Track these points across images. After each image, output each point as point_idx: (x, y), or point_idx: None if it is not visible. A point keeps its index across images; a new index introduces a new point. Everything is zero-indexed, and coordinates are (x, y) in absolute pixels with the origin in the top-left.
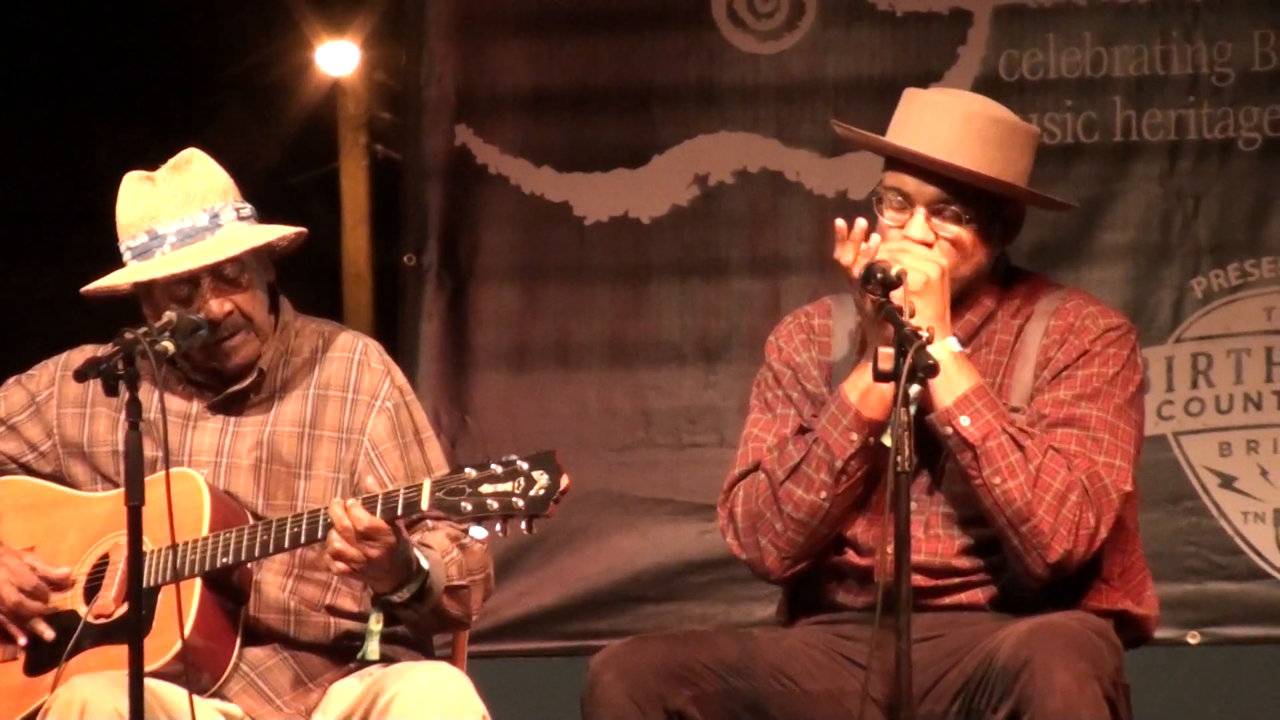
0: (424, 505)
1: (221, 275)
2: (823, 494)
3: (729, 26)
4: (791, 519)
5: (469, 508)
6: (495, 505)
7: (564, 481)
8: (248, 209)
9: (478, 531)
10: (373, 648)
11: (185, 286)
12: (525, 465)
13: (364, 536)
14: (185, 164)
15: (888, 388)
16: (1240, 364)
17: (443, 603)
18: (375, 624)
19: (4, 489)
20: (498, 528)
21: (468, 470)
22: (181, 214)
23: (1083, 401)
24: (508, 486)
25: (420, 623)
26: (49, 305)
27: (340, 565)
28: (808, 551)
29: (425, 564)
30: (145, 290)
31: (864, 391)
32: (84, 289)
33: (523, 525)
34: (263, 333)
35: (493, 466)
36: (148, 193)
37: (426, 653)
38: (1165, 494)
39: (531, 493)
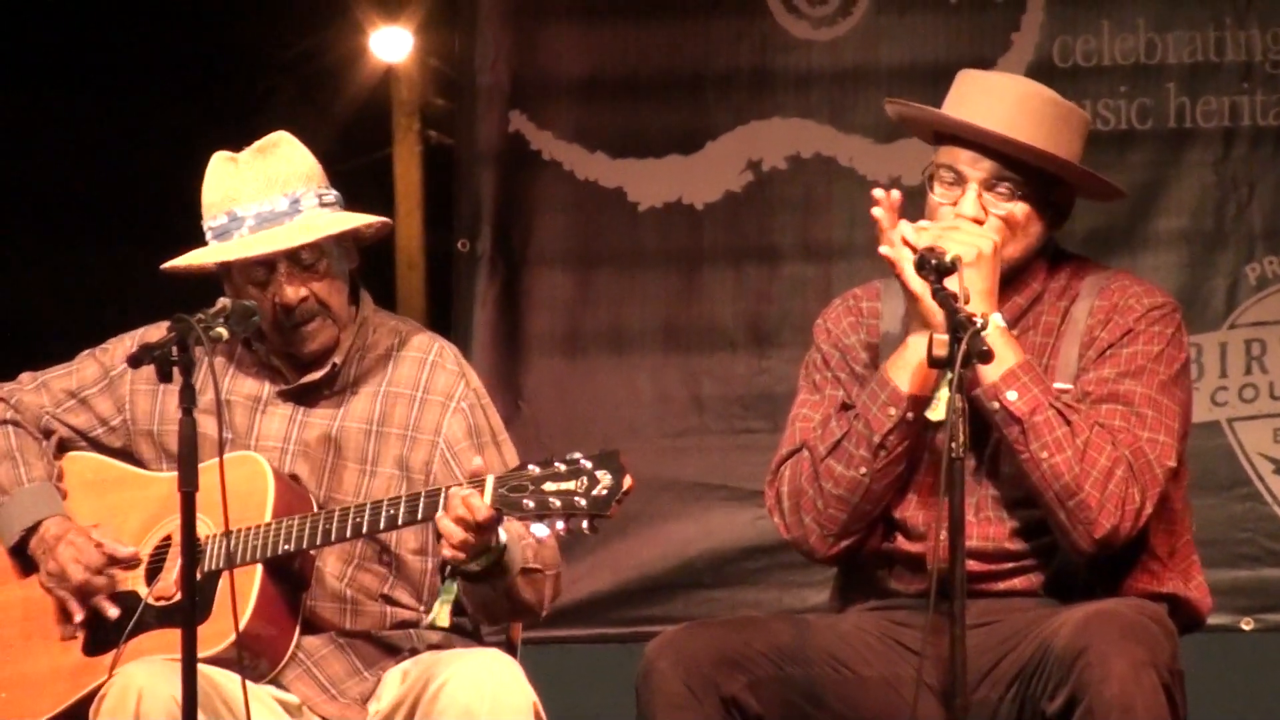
0: (486, 500)
1: (298, 261)
2: (862, 469)
3: (783, 12)
4: (833, 495)
5: (531, 505)
6: (558, 504)
7: (627, 482)
8: (332, 195)
9: (539, 529)
10: (444, 613)
11: (262, 270)
12: (589, 464)
13: (482, 528)
14: (272, 147)
15: (923, 361)
16: None
17: (517, 584)
18: (448, 592)
19: (70, 465)
20: (560, 525)
21: (531, 468)
22: (261, 197)
23: (1126, 379)
24: (571, 485)
25: (493, 604)
26: (104, 289)
27: (460, 555)
28: (850, 529)
29: (504, 537)
30: (226, 272)
31: (901, 367)
32: (164, 265)
33: (584, 525)
34: (340, 321)
35: (556, 464)
36: (230, 174)
37: (479, 641)
38: (1219, 480)
39: (594, 492)
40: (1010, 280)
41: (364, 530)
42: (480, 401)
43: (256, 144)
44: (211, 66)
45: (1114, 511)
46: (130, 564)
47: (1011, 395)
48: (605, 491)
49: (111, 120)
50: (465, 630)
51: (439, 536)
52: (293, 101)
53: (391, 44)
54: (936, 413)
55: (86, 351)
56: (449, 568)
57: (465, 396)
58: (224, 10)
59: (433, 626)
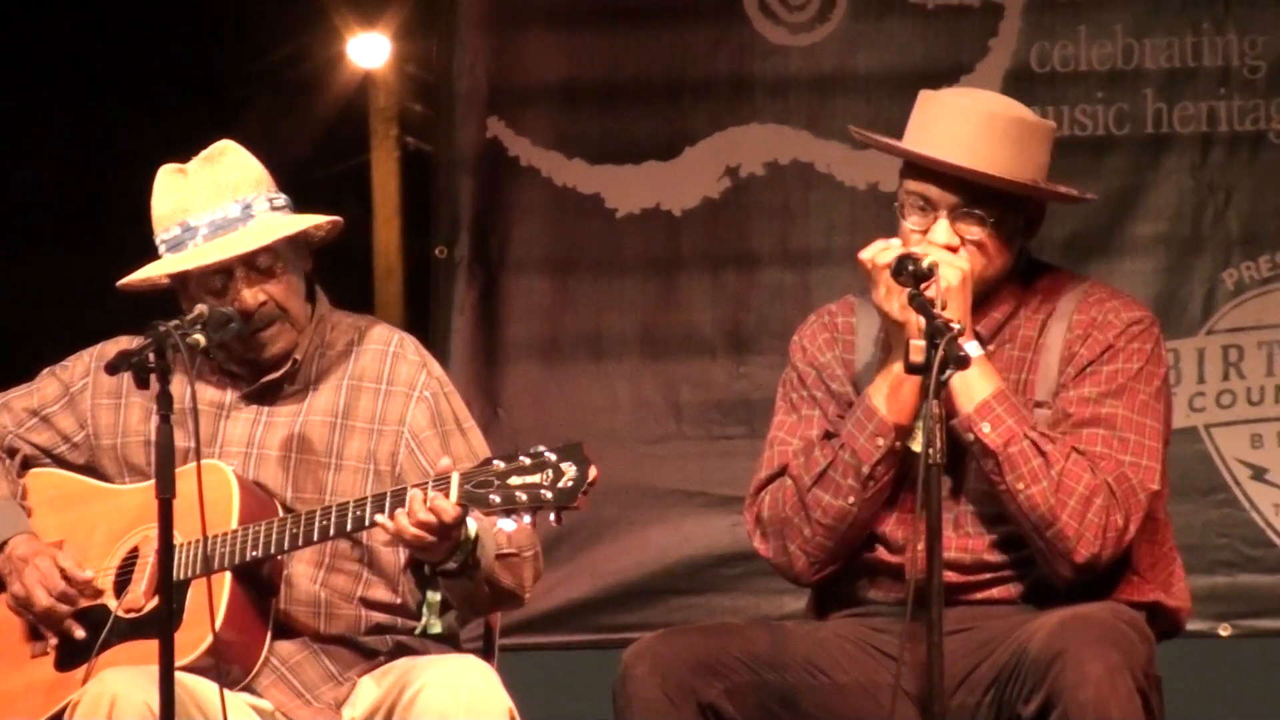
0: (452, 497)
1: (254, 266)
2: (850, 499)
3: (760, 19)
4: (820, 524)
5: (497, 500)
6: (524, 497)
7: (592, 473)
8: (282, 199)
9: (506, 524)
10: (433, 620)
11: (219, 278)
12: (553, 457)
13: (447, 529)
14: (218, 155)
15: (912, 392)
16: (1272, 356)
17: (495, 571)
18: (433, 597)
19: (34, 481)
20: (526, 519)
21: (495, 462)
22: (213, 205)
23: (1108, 399)
24: (536, 478)
25: (475, 595)
26: (79, 299)
27: (421, 555)
28: (837, 556)
29: (473, 528)
30: (180, 282)
31: (889, 395)
32: (120, 282)
33: (551, 517)
34: (298, 323)
35: (520, 458)
36: (180, 185)
37: (455, 646)
38: (1197, 486)
39: (560, 484)
40: (985, 296)
41: (331, 533)
42: (443, 390)
43: (202, 154)
44: (189, 74)
45: (1094, 540)
46: (88, 591)
47: (985, 427)
48: (571, 483)
49: (87, 131)
50: (441, 636)
51: None
52: (271, 108)
53: (369, 50)
54: (917, 444)
55: (47, 370)
56: (426, 570)
57: (428, 385)
58: (201, 18)
59: (425, 634)
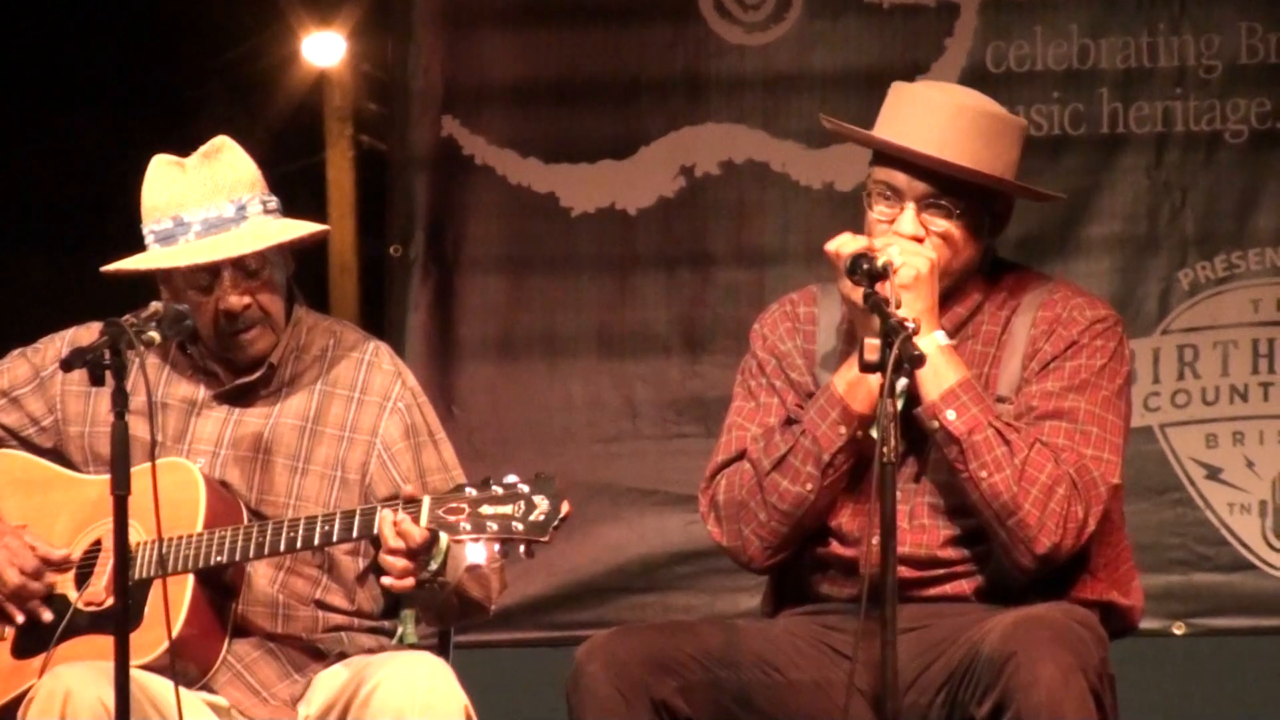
0: (422, 523)
1: (243, 268)
2: (809, 486)
3: (715, 18)
4: (776, 509)
5: (468, 527)
6: (495, 527)
7: (564, 508)
8: (274, 201)
9: (475, 553)
10: (410, 630)
11: (206, 276)
12: (526, 489)
13: (422, 551)
14: (216, 152)
15: (877, 381)
16: (1227, 356)
17: (464, 583)
18: (408, 609)
19: (0, 463)
20: (496, 549)
21: (468, 490)
22: (208, 203)
23: (1070, 394)
24: (508, 509)
25: (443, 606)
26: (38, 294)
27: (409, 584)
28: (790, 542)
29: (444, 541)
30: (165, 276)
31: (853, 384)
32: (105, 268)
33: (521, 549)
34: (278, 326)
35: (493, 488)
36: (176, 179)
37: (411, 644)
38: (1151, 485)
39: (531, 517)
40: (950, 291)
41: (298, 545)
42: (417, 401)
43: (201, 149)
44: (145, 72)
45: (1055, 530)
46: (62, 567)
47: (951, 414)
48: (542, 517)
49: (43, 127)
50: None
51: (375, 542)
52: (226, 106)
53: (324, 49)
54: (875, 431)
55: (18, 351)
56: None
57: (402, 396)
58: (157, 17)
59: (401, 643)
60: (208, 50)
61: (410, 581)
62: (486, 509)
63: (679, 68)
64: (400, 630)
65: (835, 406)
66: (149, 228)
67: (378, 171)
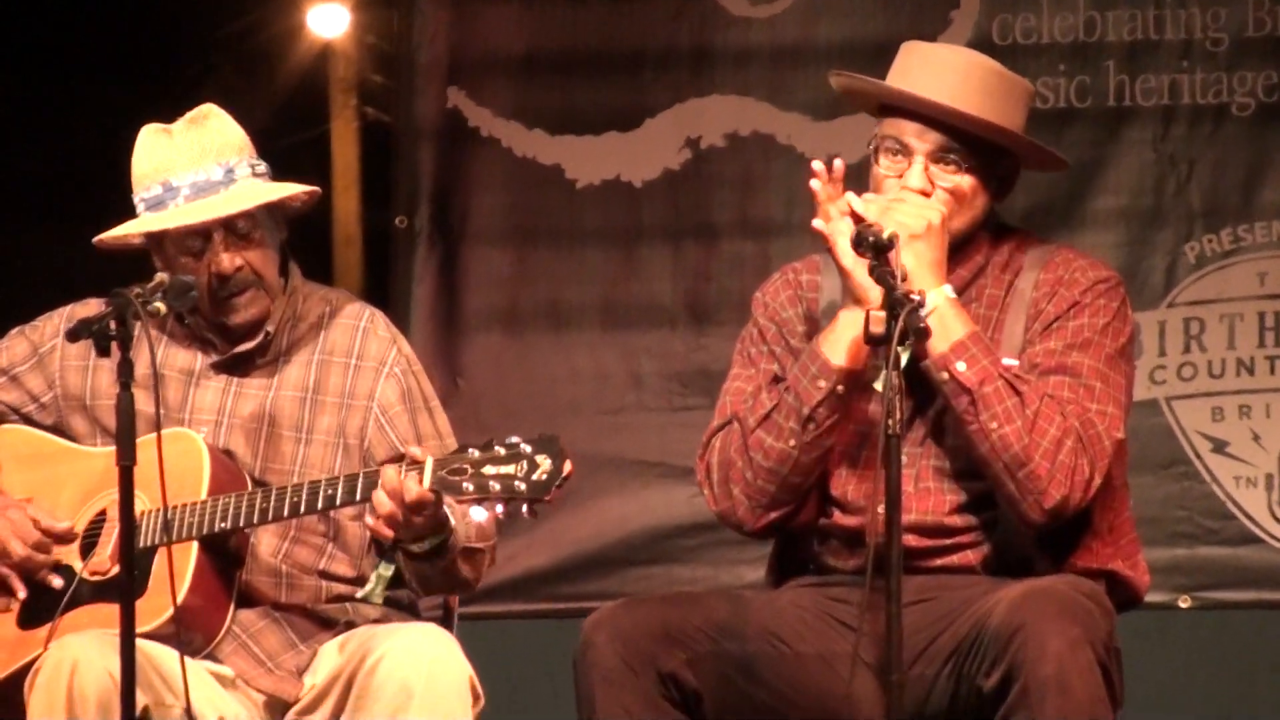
0: (426, 484)
1: (234, 230)
2: (791, 442)
3: None
4: (761, 467)
5: (470, 488)
6: (497, 487)
7: (567, 467)
8: (262, 166)
9: (477, 513)
10: (377, 591)
11: (197, 240)
12: (529, 448)
13: (413, 508)
14: (203, 118)
15: (855, 337)
16: (1233, 329)
17: (456, 562)
18: (385, 569)
19: (4, 437)
20: (498, 509)
21: (470, 450)
22: (196, 167)
23: (1074, 351)
24: (510, 469)
25: (430, 579)
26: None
27: (386, 531)
28: (779, 501)
29: (453, 521)
30: (156, 242)
31: (833, 340)
32: (96, 239)
33: (524, 509)
34: (272, 291)
35: (496, 448)
36: (164, 145)
37: (415, 615)
38: (1157, 459)
39: (534, 476)
40: (953, 252)
41: (301, 510)
42: (412, 367)
43: (188, 115)
44: (148, 44)
45: (1064, 482)
46: (66, 539)
47: (961, 366)
48: (545, 476)
49: (45, 98)
50: (402, 605)
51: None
52: (230, 78)
53: (329, 20)
54: (879, 383)
55: (16, 329)
56: (391, 546)
57: (397, 362)
58: None
59: (366, 602)
60: (211, 22)
61: (390, 533)
62: (489, 469)
63: (684, 40)
64: (369, 588)
65: (815, 361)
66: (139, 196)
67: (382, 143)
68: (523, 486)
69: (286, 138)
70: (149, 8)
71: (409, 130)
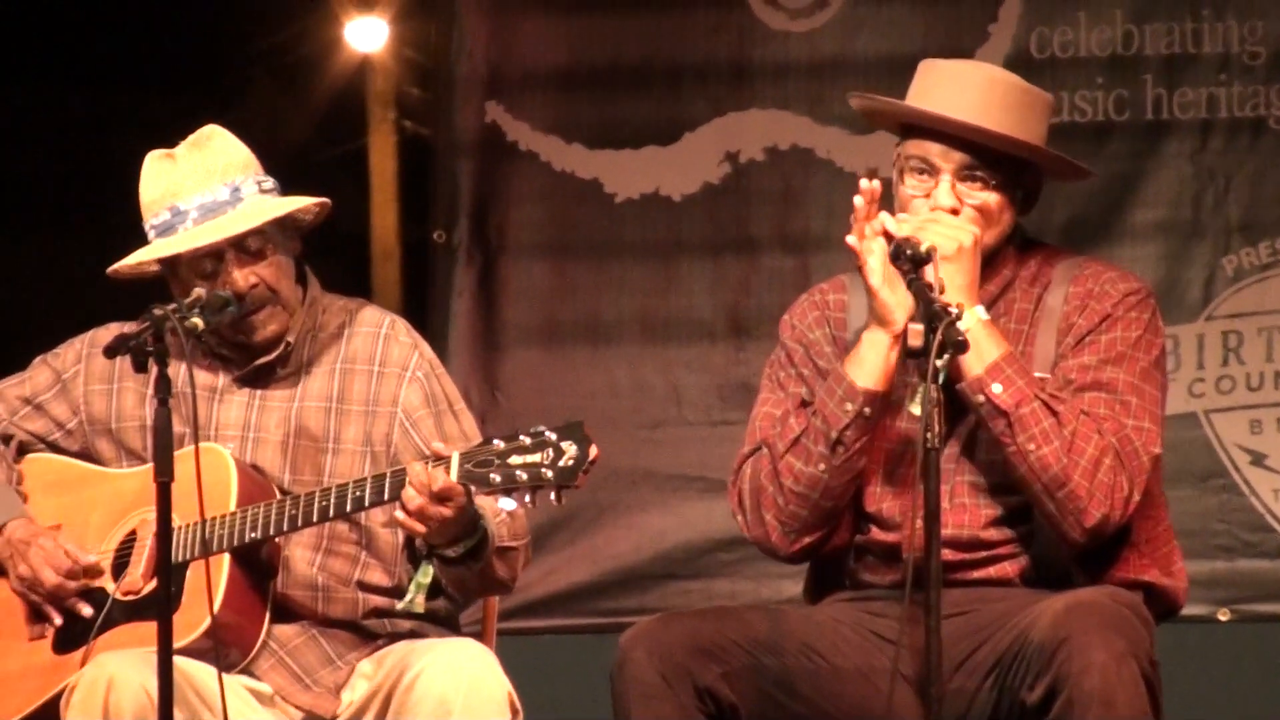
0: (453, 477)
1: (245, 248)
2: (820, 466)
3: (760, 4)
4: (792, 492)
5: (498, 479)
6: (524, 476)
7: (593, 451)
8: (269, 182)
9: (506, 503)
10: (418, 599)
11: (210, 261)
12: (553, 436)
13: (440, 498)
14: (205, 140)
15: (880, 358)
16: (1271, 341)
17: (492, 563)
18: (424, 576)
19: (30, 467)
20: (527, 499)
21: (496, 442)
22: (202, 189)
23: (1108, 366)
24: (536, 458)
25: (467, 582)
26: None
27: (418, 526)
28: (811, 526)
29: (484, 521)
30: (171, 268)
31: (858, 362)
32: (109, 269)
33: (551, 496)
34: (289, 306)
35: (521, 438)
36: (168, 170)
37: (454, 630)
38: (1196, 471)
39: (560, 463)
40: (982, 268)
41: (330, 514)
42: (434, 371)
43: (189, 139)
44: (187, 58)
45: (1104, 500)
46: (93, 573)
47: (997, 388)
48: (571, 462)
49: (86, 114)
50: (440, 619)
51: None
52: (268, 93)
53: (367, 34)
54: (916, 406)
55: (39, 358)
56: (427, 550)
57: (420, 366)
58: (197, 2)
59: (408, 612)
60: (250, 35)
61: (421, 528)
62: (515, 459)
63: (723, 54)
64: (409, 597)
65: (840, 384)
66: (149, 223)
67: (421, 157)
68: (550, 474)
69: (325, 152)
70: (188, 21)
71: (447, 144)
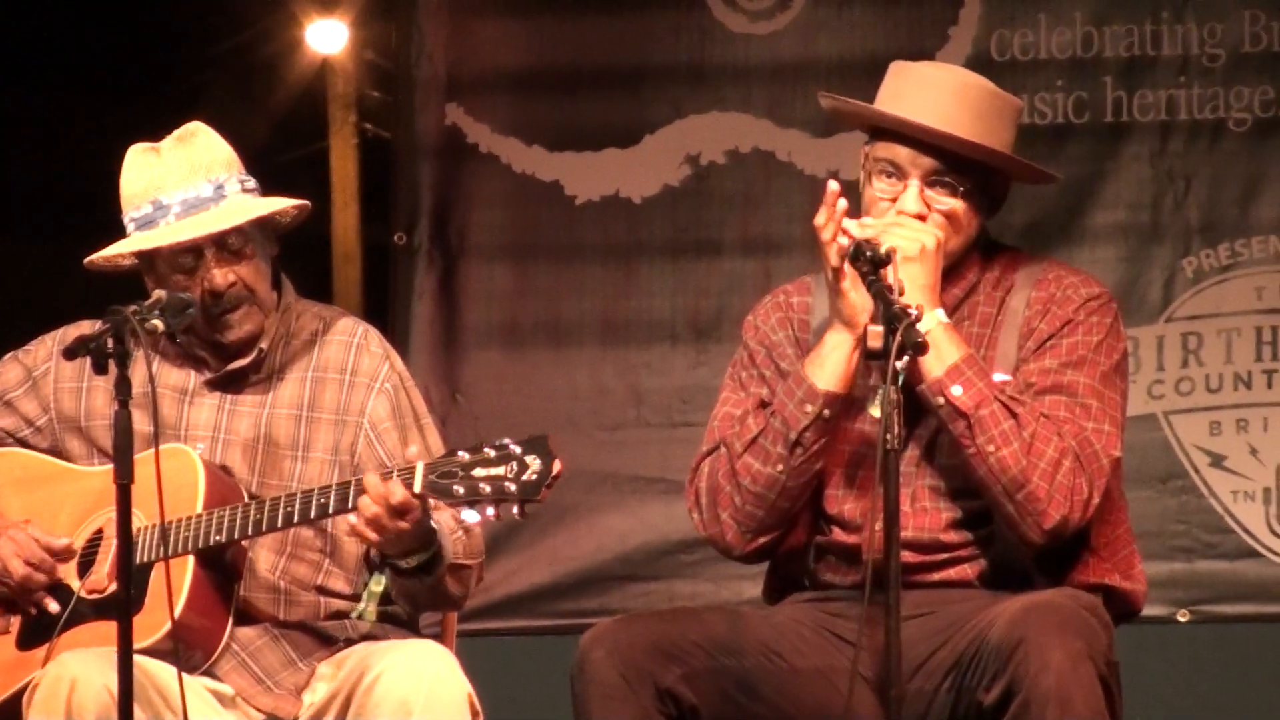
0: (417, 488)
1: (225, 246)
2: (779, 467)
3: (720, 6)
4: (749, 492)
5: (461, 491)
6: (488, 489)
7: (556, 466)
8: (251, 181)
9: (469, 515)
10: (370, 609)
11: (189, 257)
12: (518, 449)
13: (398, 511)
14: (190, 136)
15: (841, 360)
16: (1230, 343)
17: (444, 579)
18: (376, 585)
19: (0, 462)
20: (490, 511)
21: (460, 453)
22: (186, 184)
23: (1069, 369)
24: (500, 470)
25: (418, 596)
26: (34, 284)
27: (371, 535)
28: (767, 526)
29: (440, 537)
30: (148, 261)
31: (818, 363)
32: (87, 260)
33: (514, 510)
34: (265, 307)
35: (485, 450)
36: (152, 164)
37: (414, 632)
38: (1155, 473)
39: (524, 477)
40: (946, 271)
41: (295, 520)
42: (404, 384)
43: (175, 134)
44: (146, 60)
45: (1063, 502)
46: (65, 556)
47: (956, 390)
48: (535, 476)
49: (43, 115)
50: (400, 621)
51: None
52: (228, 94)
53: (327, 37)
54: (877, 409)
55: (9, 354)
56: (381, 560)
57: (389, 378)
58: (158, 3)
59: (354, 630)
60: (209, 37)
61: (374, 536)
62: (479, 471)
63: (684, 56)
64: (362, 605)
65: (800, 385)
66: (129, 216)
67: (381, 159)
68: (513, 487)
69: (285, 154)
70: (145, 24)
71: (408, 146)
